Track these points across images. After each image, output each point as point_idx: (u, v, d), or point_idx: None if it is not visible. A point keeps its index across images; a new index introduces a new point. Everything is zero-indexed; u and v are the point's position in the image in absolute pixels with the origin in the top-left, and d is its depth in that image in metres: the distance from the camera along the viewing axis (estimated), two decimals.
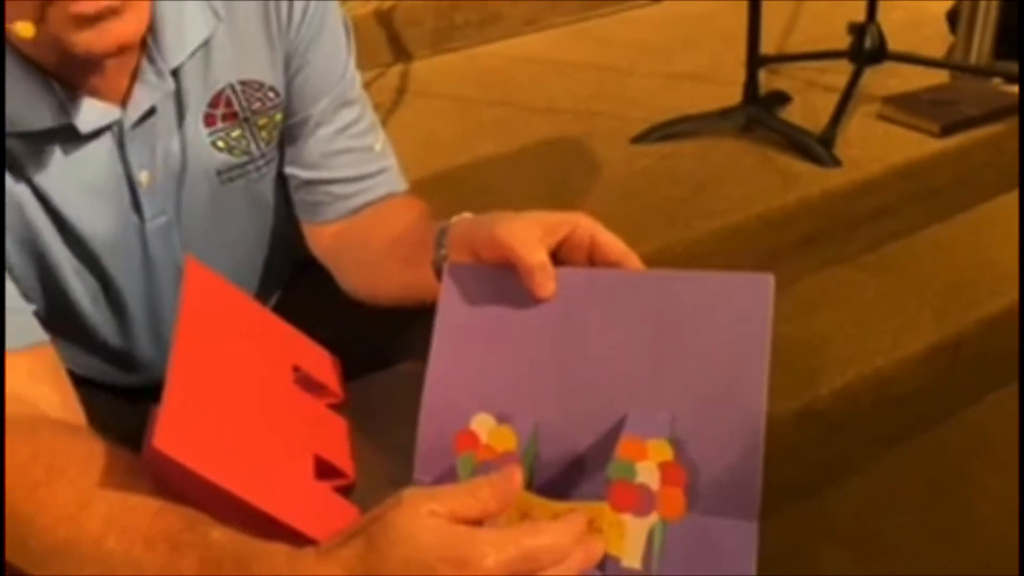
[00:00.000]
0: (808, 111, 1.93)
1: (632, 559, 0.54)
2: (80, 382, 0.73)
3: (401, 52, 2.50)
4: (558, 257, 0.64)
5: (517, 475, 0.52)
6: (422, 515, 0.48)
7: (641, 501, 0.55)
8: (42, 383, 0.65)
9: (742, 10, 1.85)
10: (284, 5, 0.78)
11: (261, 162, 0.83)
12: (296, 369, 0.68)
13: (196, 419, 0.53)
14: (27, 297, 0.71)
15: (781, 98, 1.97)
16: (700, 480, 0.57)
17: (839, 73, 2.01)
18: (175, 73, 0.73)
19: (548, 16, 2.69)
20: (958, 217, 1.77)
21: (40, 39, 0.62)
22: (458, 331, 0.63)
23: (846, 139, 1.78)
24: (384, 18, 2.46)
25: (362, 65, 2.52)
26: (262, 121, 0.80)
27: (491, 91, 2.25)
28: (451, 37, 2.57)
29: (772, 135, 1.81)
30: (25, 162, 0.70)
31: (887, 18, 2.03)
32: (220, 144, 0.79)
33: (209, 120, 0.77)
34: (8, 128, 0.68)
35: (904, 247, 1.70)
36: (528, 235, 0.62)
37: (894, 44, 2.01)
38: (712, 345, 0.58)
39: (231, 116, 0.78)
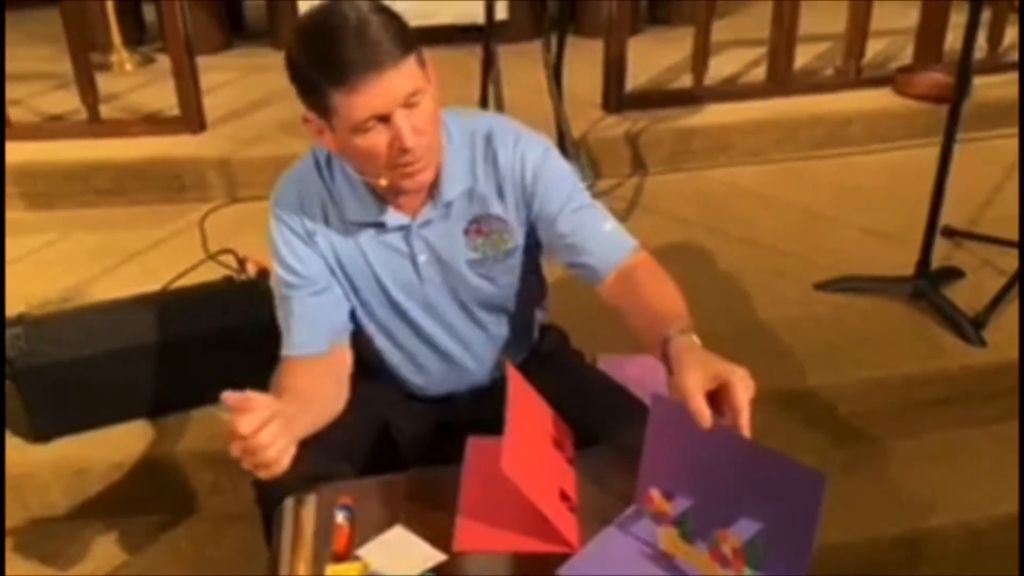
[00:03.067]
0: (975, 287, 2.26)
1: None
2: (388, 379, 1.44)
3: (639, 167, 3.03)
4: (714, 398, 1.08)
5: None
6: None
7: (724, 561, 1.04)
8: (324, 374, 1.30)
9: (955, 167, 2.10)
10: (518, 170, 1.33)
11: (493, 260, 1.36)
12: (553, 436, 1.21)
13: (518, 457, 1.07)
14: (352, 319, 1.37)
15: (953, 273, 2.31)
16: (769, 561, 1.03)
17: (1015, 258, 2.31)
18: (448, 204, 1.31)
19: (772, 151, 3.12)
20: None
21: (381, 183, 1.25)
22: (658, 436, 1.13)
23: (997, 323, 2.11)
24: (631, 139, 3.00)
25: (606, 174, 3.14)
26: (495, 236, 1.35)
27: (707, 216, 2.72)
28: (685, 159, 3.07)
29: (933, 307, 2.16)
30: (359, 238, 1.32)
31: None
32: (470, 246, 1.35)
33: (466, 232, 1.34)
34: (353, 218, 1.31)
35: None
36: (696, 386, 1.06)
37: None
38: (787, 496, 1.02)
39: (479, 232, 1.35)
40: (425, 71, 1.20)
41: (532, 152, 1.34)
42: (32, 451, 1.83)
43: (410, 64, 1.16)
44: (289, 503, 1.17)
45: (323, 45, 1.14)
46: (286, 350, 1.32)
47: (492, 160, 1.33)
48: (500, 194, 1.34)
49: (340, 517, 1.12)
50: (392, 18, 1.17)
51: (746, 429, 1.04)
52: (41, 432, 1.83)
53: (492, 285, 1.40)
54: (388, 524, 1.13)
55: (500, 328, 1.46)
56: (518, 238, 1.37)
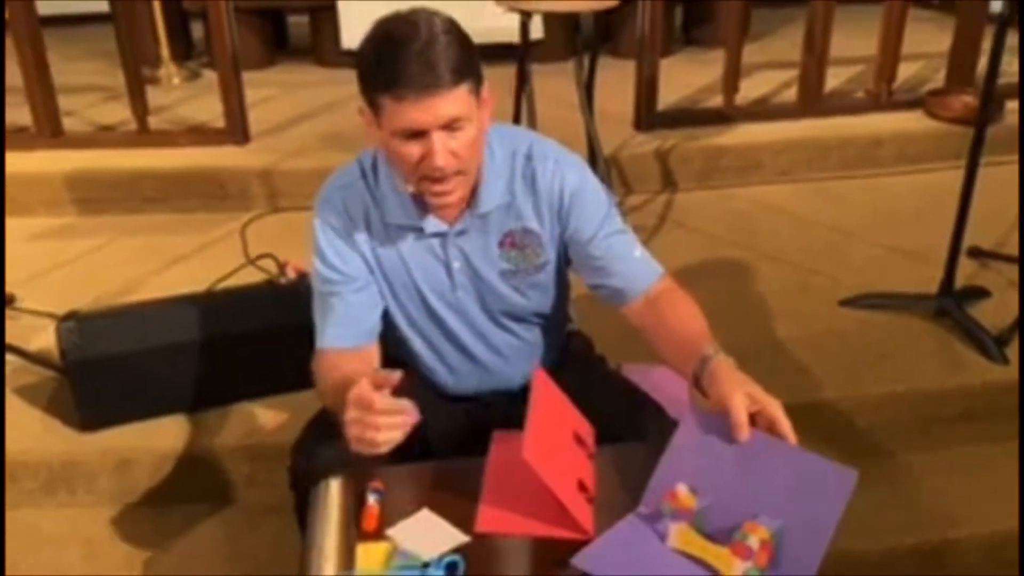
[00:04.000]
0: (1000, 307, 2.28)
1: None
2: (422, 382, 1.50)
3: (669, 183, 3.08)
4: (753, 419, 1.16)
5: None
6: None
7: (747, 553, 1.08)
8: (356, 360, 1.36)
9: (987, 189, 2.15)
10: (556, 191, 1.39)
11: (525, 273, 1.43)
12: (574, 431, 1.27)
13: (539, 448, 1.13)
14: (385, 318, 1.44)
15: (978, 293, 2.33)
16: (784, 556, 1.09)
17: None
18: (484, 216, 1.38)
19: (801, 171, 3.16)
20: None
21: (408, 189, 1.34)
22: (687, 441, 1.18)
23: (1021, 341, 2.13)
24: (661, 155, 3.06)
25: (637, 190, 3.19)
26: (528, 250, 1.42)
27: (735, 233, 2.77)
28: (714, 177, 3.12)
29: (957, 325, 2.19)
30: (398, 241, 1.39)
31: None
32: (504, 258, 1.42)
33: (501, 244, 1.41)
34: (394, 221, 1.38)
35: None
36: (741, 403, 1.14)
37: None
38: (815, 494, 1.08)
39: (513, 245, 1.41)
40: (479, 99, 1.27)
41: (571, 175, 1.40)
42: (81, 441, 1.93)
43: (461, 92, 1.22)
44: (323, 485, 1.24)
45: (386, 49, 1.21)
46: (323, 342, 1.39)
47: (531, 179, 1.39)
48: (536, 211, 1.40)
49: (371, 499, 1.19)
50: (460, 44, 1.23)
51: None
52: (90, 422, 1.92)
53: (521, 297, 1.46)
54: (416, 507, 1.19)
55: (527, 334, 1.52)
56: (550, 254, 1.44)
